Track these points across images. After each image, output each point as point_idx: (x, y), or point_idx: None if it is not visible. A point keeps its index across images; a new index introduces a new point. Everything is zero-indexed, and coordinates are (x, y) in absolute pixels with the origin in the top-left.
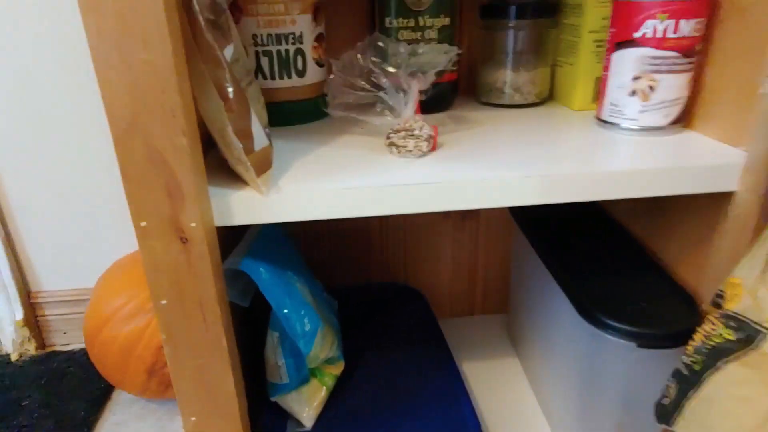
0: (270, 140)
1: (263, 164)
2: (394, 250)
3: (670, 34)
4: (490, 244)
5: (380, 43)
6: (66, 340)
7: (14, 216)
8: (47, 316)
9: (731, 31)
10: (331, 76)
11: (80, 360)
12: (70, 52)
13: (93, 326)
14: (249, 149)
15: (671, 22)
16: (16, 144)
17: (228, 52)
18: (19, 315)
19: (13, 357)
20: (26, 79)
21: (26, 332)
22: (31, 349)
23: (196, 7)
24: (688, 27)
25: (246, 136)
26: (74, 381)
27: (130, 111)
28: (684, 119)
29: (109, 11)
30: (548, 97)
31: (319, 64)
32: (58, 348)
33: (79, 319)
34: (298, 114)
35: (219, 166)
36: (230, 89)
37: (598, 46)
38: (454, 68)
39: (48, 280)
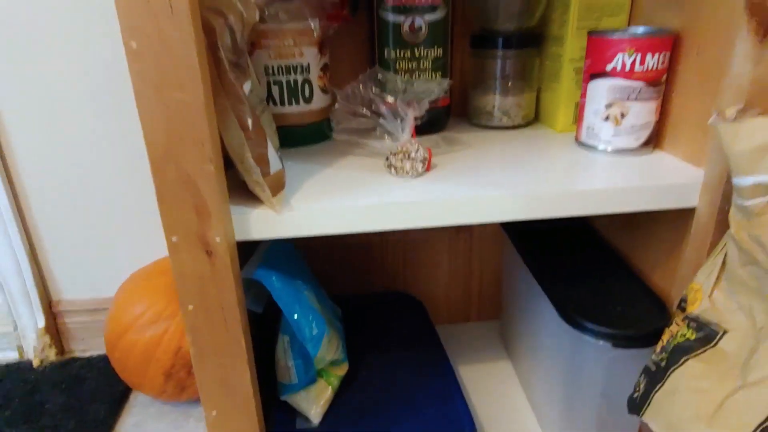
0: (282, 163)
1: (277, 185)
2: (394, 260)
3: (637, 67)
4: (484, 255)
5: (379, 76)
6: (84, 346)
7: (38, 229)
8: (67, 323)
9: (691, 65)
10: (336, 105)
11: (98, 365)
12: (96, 71)
13: (114, 333)
14: (265, 173)
15: (638, 56)
16: (41, 158)
17: (246, 87)
18: (41, 323)
19: (35, 363)
20: (53, 96)
21: (47, 339)
22: (52, 355)
23: (221, 52)
24: (653, 61)
25: (263, 161)
26: (93, 385)
27: (165, 142)
28: (654, 141)
29: (151, 60)
30: (534, 119)
31: (324, 91)
32: (76, 354)
33: (97, 326)
34: (305, 136)
35: (237, 186)
36: (249, 121)
37: (577, 74)
38: (447, 94)
39: (68, 290)
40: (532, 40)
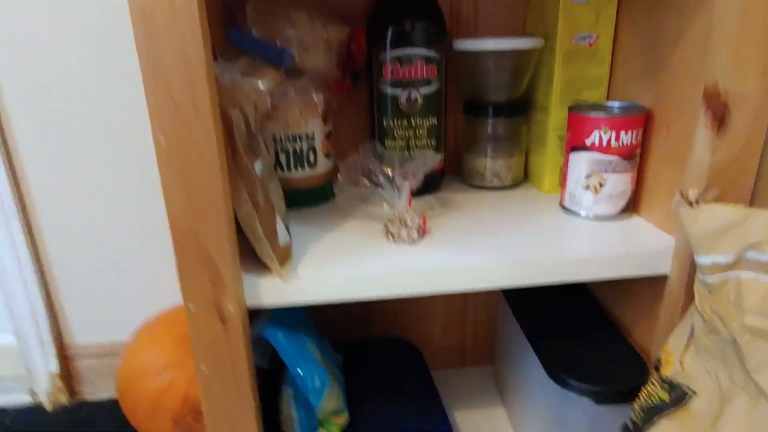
0: (290, 233)
1: (285, 256)
2: (393, 308)
3: (613, 143)
4: (478, 302)
5: (378, 148)
6: (93, 388)
7: (54, 277)
8: (78, 367)
9: (662, 140)
10: (339, 176)
11: (108, 409)
12: (118, 124)
13: (126, 379)
14: (274, 245)
15: (613, 133)
16: (58, 204)
17: (257, 166)
18: (54, 368)
19: (47, 406)
20: (74, 147)
21: (59, 383)
22: (63, 398)
23: (237, 139)
24: (627, 137)
25: (272, 234)
26: (103, 428)
27: (187, 221)
28: (631, 208)
29: (176, 151)
30: (523, 178)
31: (328, 156)
32: (86, 396)
33: (107, 369)
34: (310, 198)
35: (248, 251)
36: (260, 198)
37: (561, 141)
38: (441, 159)
39: (80, 335)
40: (520, 108)
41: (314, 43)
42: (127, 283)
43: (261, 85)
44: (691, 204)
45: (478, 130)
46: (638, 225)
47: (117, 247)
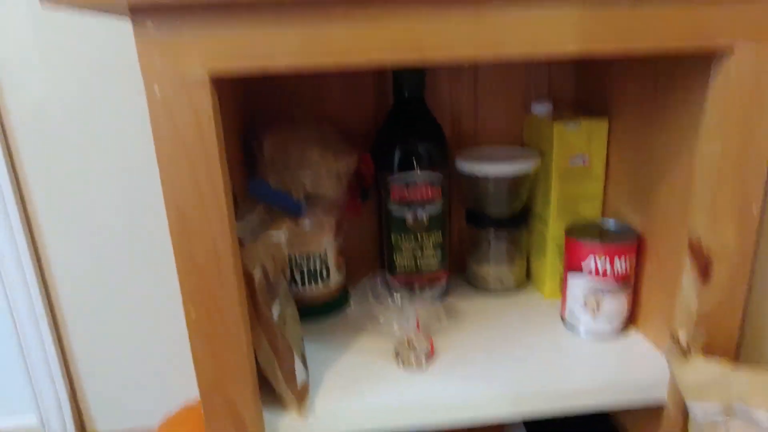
0: (307, 369)
1: (303, 395)
2: None
3: (608, 269)
4: None
5: (387, 278)
6: None
7: (78, 364)
8: None
9: (654, 267)
10: (351, 304)
11: None
12: (138, 212)
13: None
14: (293, 387)
15: (608, 260)
16: (83, 293)
17: (275, 309)
18: None
19: None
20: (98, 243)
21: None
22: None
23: (258, 294)
24: (621, 264)
25: (290, 376)
26: None
27: (214, 378)
28: (628, 325)
29: (204, 323)
30: (526, 280)
31: (340, 269)
32: None
33: None
34: (324, 310)
35: (266, 386)
36: (279, 342)
37: (560, 250)
38: (446, 267)
39: (102, 421)
40: (521, 219)
41: (326, 174)
42: (150, 370)
43: (279, 236)
44: (682, 349)
45: (481, 239)
46: (636, 345)
47: (140, 336)
